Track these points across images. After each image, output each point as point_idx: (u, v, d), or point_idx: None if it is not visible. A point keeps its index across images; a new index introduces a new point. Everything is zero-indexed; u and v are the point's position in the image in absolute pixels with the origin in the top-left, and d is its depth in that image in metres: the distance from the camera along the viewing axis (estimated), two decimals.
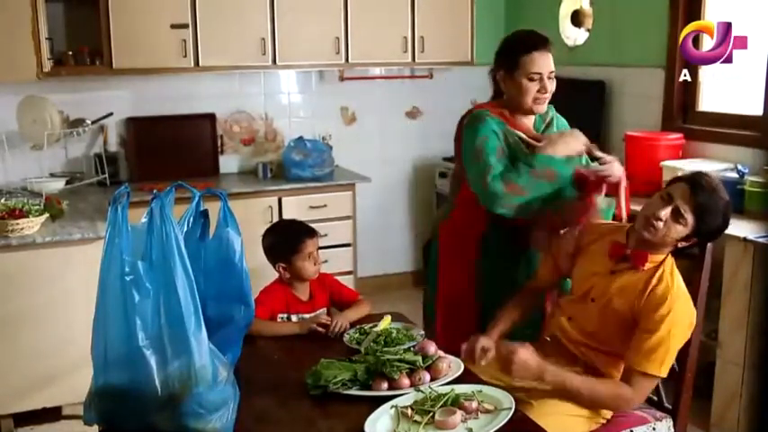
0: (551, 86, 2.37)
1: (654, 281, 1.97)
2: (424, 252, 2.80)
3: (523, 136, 2.38)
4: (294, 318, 2.34)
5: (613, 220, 2.44)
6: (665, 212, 1.95)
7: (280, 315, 2.34)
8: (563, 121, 2.55)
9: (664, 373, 1.95)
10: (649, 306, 1.94)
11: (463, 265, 2.49)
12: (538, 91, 2.35)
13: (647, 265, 2.00)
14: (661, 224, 1.95)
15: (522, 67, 2.34)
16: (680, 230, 1.96)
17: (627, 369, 1.98)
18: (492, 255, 2.45)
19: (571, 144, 2.34)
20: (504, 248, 2.45)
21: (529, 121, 2.46)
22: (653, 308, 1.94)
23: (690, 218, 1.94)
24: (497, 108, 2.43)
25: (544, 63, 2.35)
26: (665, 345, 1.91)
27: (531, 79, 2.34)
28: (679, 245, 2.00)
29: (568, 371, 2.08)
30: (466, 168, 2.41)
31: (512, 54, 2.37)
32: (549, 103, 2.46)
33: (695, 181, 1.97)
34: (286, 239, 2.38)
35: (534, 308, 2.36)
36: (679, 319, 1.94)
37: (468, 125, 2.42)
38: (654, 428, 2.11)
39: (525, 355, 1.86)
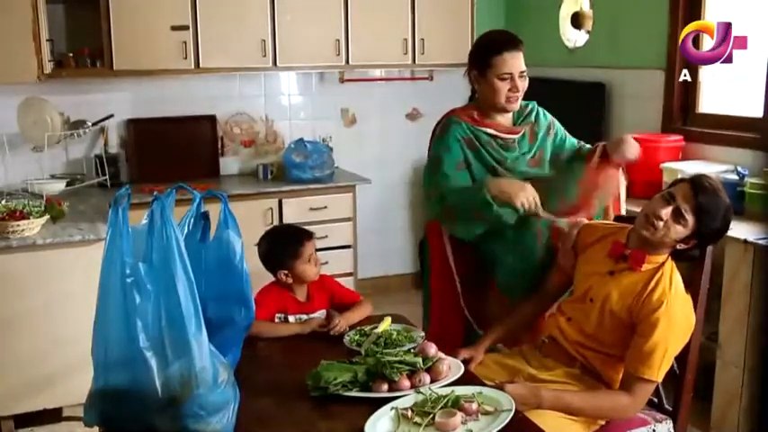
0: (523, 85, 2.41)
1: (651, 284, 1.97)
2: (419, 252, 2.85)
3: (493, 132, 2.44)
4: (291, 319, 2.34)
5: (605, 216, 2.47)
6: (666, 212, 1.95)
7: (277, 315, 2.34)
8: (545, 115, 2.57)
9: (659, 378, 1.95)
10: (646, 310, 1.94)
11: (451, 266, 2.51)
12: (509, 90, 2.38)
13: (646, 267, 2.00)
14: (661, 224, 1.95)
15: (494, 68, 2.38)
16: (680, 231, 1.96)
17: (625, 373, 1.99)
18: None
19: (509, 191, 2.29)
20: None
21: (504, 119, 2.48)
22: (649, 312, 1.93)
23: (690, 219, 1.94)
24: (469, 110, 2.49)
25: (514, 63, 2.38)
26: (661, 349, 1.91)
27: (503, 79, 2.38)
28: (678, 246, 2.00)
29: (566, 373, 2.08)
30: (425, 175, 2.52)
31: (484, 54, 2.42)
32: (534, 100, 2.55)
33: (697, 182, 1.97)
34: (285, 246, 2.37)
35: (539, 317, 2.36)
36: (676, 323, 1.94)
37: (437, 134, 2.51)
38: (654, 430, 2.11)
39: (516, 390, 1.82)
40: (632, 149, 2.40)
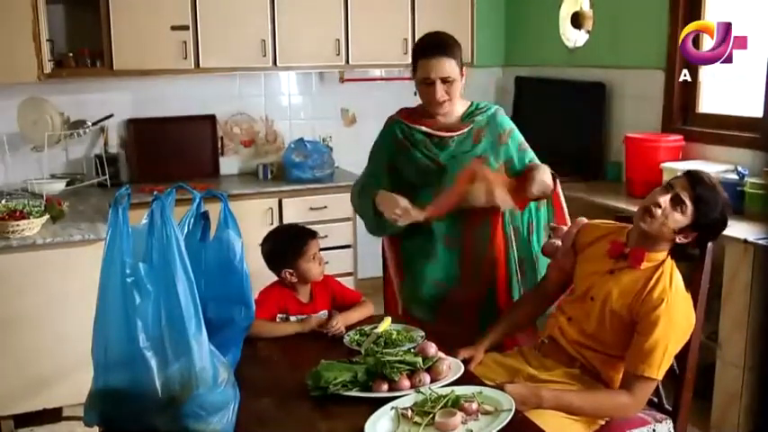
0: (444, 91, 2.32)
1: (651, 282, 1.96)
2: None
3: (427, 130, 2.42)
4: (292, 319, 2.33)
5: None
6: (665, 199, 1.95)
7: (278, 316, 2.34)
8: (501, 123, 2.46)
9: (660, 376, 1.95)
10: (646, 308, 1.94)
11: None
12: (433, 95, 2.33)
13: (646, 265, 2.00)
14: (659, 211, 1.95)
15: (417, 71, 2.36)
16: (678, 219, 1.95)
17: (626, 372, 1.99)
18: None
19: (382, 209, 2.36)
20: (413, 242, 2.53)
21: (446, 117, 2.42)
22: (649, 310, 1.93)
23: (689, 206, 1.94)
24: (413, 109, 2.50)
25: (435, 68, 2.29)
26: (661, 347, 1.91)
27: (425, 84, 2.34)
28: (677, 240, 1.99)
29: (566, 373, 2.08)
30: None
31: (413, 58, 2.39)
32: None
33: (695, 175, 1.99)
34: (289, 244, 2.37)
35: (537, 316, 2.36)
36: (676, 321, 1.94)
37: (379, 132, 2.57)
38: (654, 430, 2.11)
39: (516, 390, 1.83)
40: (540, 186, 2.32)
